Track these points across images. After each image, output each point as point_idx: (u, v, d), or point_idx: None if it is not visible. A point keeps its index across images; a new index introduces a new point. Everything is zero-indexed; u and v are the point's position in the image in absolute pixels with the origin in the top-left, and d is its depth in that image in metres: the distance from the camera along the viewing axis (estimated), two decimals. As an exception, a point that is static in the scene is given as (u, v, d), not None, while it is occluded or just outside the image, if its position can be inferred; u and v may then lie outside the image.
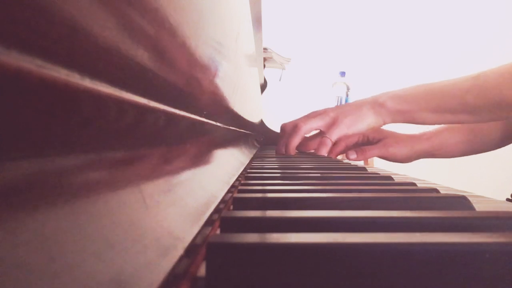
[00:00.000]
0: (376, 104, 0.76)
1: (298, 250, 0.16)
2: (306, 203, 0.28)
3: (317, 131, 0.85)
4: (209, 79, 0.31)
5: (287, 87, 2.34)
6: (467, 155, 0.87)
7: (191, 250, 0.17)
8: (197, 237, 0.19)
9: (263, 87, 1.48)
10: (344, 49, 2.46)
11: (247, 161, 0.62)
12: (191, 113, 0.28)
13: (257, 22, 0.78)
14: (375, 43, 2.46)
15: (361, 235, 0.17)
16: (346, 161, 0.83)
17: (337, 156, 0.87)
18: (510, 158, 2.29)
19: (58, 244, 0.10)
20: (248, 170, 0.52)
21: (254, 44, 0.81)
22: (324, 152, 0.79)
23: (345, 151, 0.87)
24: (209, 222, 0.22)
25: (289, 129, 0.82)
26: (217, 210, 0.25)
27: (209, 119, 0.35)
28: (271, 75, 1.77)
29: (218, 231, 0.23)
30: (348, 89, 2.00)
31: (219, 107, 0.41)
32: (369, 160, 1.97)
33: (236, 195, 0.30)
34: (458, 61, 2.38)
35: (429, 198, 0.29)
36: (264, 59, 1.53)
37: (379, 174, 0.48)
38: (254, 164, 0.63)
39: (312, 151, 0.88)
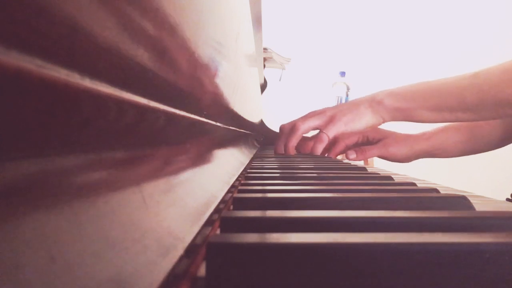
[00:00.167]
0: (374, 102, 0.76)
1: (298, 250, 0.16)
2: (306, 203, 0.28)
3: (317, 131, 0.85)
4: (209, 79, 0.31)
5: (287, 87, 2.34)
6: (466, 155, 0.87)
7: (191, 250, 0.17)
8: (197, 237, 0.19)
9: (263, 87, 1.48)
10: (344, 49, 2.46)
11: (247, 161, 0.62)
12: (191, 113, 0.28)
13: (257, 22, 0.78)
14: (375, 43, 2.46)
15: (361, 235, 0.17)
16: (346, 161, 0.83)
17: (337, 156, 0.87)
18: (510, 158, 2.29)
19: (58, 244, 0.10)
20: (248, 170, 0.52)
21: (254, 44, 0.81)
22: (320, 148, 0.79)
23: (344, 151, 0.87)
24: (209, 222, 0.22)
25: (287, 129, 0.82)
26: (217, 210, 0.25)
27: (209, 119, 0.35)
28: (271, 75, 1.77)
29: (218, 231, 0.23)
30: (348, 89, 2.00)
31: (219, 107, 0.41)
32: (369, 160, 1.97)
33: (236, 195, 0.30)
34: (458, 61, 2.38)
35: (429, 198, 0.29)
36: (264, 59, 1.53)
37: (379, 174, 0.48)
38: (254, 164, 0.63)
39: (309, 150, 0.88)
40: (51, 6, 0.09)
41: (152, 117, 0.19)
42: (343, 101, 1.99)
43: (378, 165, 2.03)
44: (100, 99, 0.13)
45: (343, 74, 2.03)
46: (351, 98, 1.98)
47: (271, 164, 0.62)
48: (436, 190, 0.33)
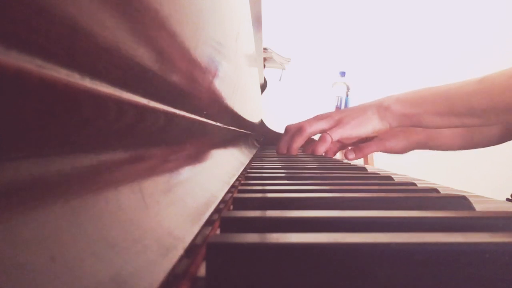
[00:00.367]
0: (381, 108, 0.76)
1: (298, 250, 0.16)
2: (306, 203, 0.28)
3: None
4: (209, 79, 0.31)
5: (287, 87, 2.34)
6: (465, 149, 0.87)
7: (191, 250, 0.17)
8: (197, 237, 0.19)
9: (263, 87, 1.48)
10: (344, 49, 2.46)
11: (247, 161, 0.63)
12: (191, 113, 0.28)
13: (257, 22, 0.78)
14: (375, 43, 2.46)
15: (361, 235, 0.17)
16: (346, 161, 0.83)
17: (334, 154, 0.87)
18: (510, 158, 2.30)
19: (58, 244, 0.10)
20: (248, 170, 0.52)
21: (254, 44, 0.81)
22: (322, 148, 0.79)
23: (341, 149, 0.88)
24: (209, 222, 0.22)
25: (293, 130, 0.82)
26: (217, 210, 0.25)
27: (209, 119, 0.35)
28: (271, 75, 1.77)
29: (218, 231, 0.23)
30: (348, 89, 2.00)
31: (219, 107, 0.41)
32: (369, 160, 1.97)
33: (236, 195, 0.30)
34: (458, 61, 2.38)
35: (429, 198, 0.29)
36: (264, 59, 1.53)
37: (379, 174, 0.48)
38: (254, 164, 0.63)
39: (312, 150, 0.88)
40: (51, 6, 0.09)
41: (152, 117, 0.19)
42: (343, 101, 1.99)
43: (378, 165, 2.03)
44: (100, 99, 0.13)
45: (343, 74, 2.03)
46: (351, 98, 1.98)
47: (271, 164, 0.62)
48: (436, 190, 0.33)
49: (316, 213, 0.22)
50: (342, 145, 0.87)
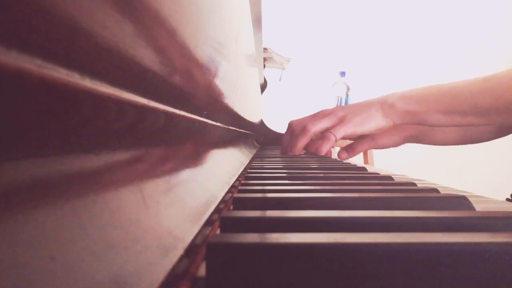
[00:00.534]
0: (385, 105, 0.76)
1: (298, 250, 0.16)
2: (306, 203, 0.28)
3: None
4: (209, 79, 0.31)
5: (287, 87, 2.34)
6: (458, 144, 0.86)
7: (191, 250, 0.17)
8: (197, 237, 0.19)
9: (263, 87, 1.48)
10: (344, 49, 2.46)
11: (247, 161, 0.62)
12: (191, 113, 0.28)
13: (257, 22, 0.78)
14: (375, 43, 2.46)
15: (361, 235, 0.17)
16: (345, 161, 0.83)
17: (325, 152, 0.87)
18: (510, 158, 2.30)
19: (58, 244, 0.10)
20: (248, 170, 0.52)
21: (254, 44, 0.81)
22: (327, 147, 0.79)
23: (332, 146, 0.87)
24: (209, 222, 0.22)
25: (297, 130, 0.82)
26: (217, 210, 0.25)
27: (209, 119, 0.35)
28: (271, 75, 1.77)
29: (218, 231, 0.23)
30: (348, 89, 2.00)
31: (219, 107, 0.41)
32: (369, 160, 1.97)
33: (236, 195, 0.30)
34: (458, 61, 2.38)
35: (429, 198, 0.29)
36: (264, 59, 1.53)
37: (379, 174, 0.48)
38: (254, 164, 0.63)
39: (315, 148, 0.88)
40: (51, 6, 0.09)
41: (152, 117, 0.19)
42: (343, 101, 1.99)
43: (378, 165, 2.03)
44: (100, 99, 0.13)
45: (343, 74, 2.03)
46: (351, 98, 1.98)
47: (271, 164, 0.62)
48: (436, 190, 0.33)
49: (316, 213, 0.22)
50: (346, 147, 0.86)
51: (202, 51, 0.26)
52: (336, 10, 2.44)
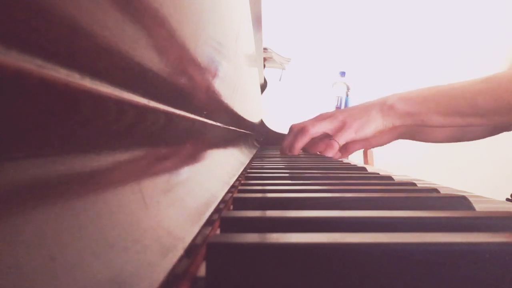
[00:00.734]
0: (385, 107, 0.76)
1: (298, 250, 0.16)
2: (306, 203, 0.28)
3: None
4: (209, 79, 0.31)
5: (287, 87, 2.34)
6: (452, 142, 0.86)
7: (191, 250, 0.17)
8: (197, 237, 0.19)
9: (263, 87, 1.48)
10: (344, 49, 2.46)
11: (247, 161, 0.63)
12: (191, 113, 0.28)
13: (257, 22, 0.78)
14: (375, 43, 2.46)
15: (361, 235, 0.17)
16: (346, 161, 0.83)
17: (318, 151, 0.87)
18: (510, 158, 2.30)
19: (58, 244, 0.10)
20: (248, 170, 0.52)
21: (254, 44, 0.81)
22: (330, 154, 0.80)
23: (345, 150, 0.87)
24: (209, 222, 0.22)
25: (296, 131, 0.82)
26: (217, 210, 0.25)
27: (209, 119, 0.35)
28: (271, 75, 1.77)
29: (218, 231, 0.23)
30: (348, 89, 2.00)
31: (219, 107, 0.41)
32: (369, 160, 1.97)
33: (236, 195, 0.30)
34: (458, 61, 2.38)
35: (429, 198, 0.29)
36: (264, 59, 1.53)
37: (379, 174, 0.48)
38: (254, 164, 0.63)
39: (317, 152, 0.88)
40: (51, 6, 0.09)
41: (152, 117, 0.19)
42: (343, 101, 1.99)
43: (378, 165, 2.03)
44: (100, 99, 0.13)
45: (343, 74, 2.03)
46: (351, 98, 1.98)
47: (271, 164, 0.62)
48: (436, 190, 0.33)
49: (316, 213, 0.22)
50: (340, 148, 0.87)
51: (202, 51, 0.26)
52: (336, 10, 2.44)
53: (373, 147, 0.86)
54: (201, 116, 0.31)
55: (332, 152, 0.79)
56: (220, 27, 0.33)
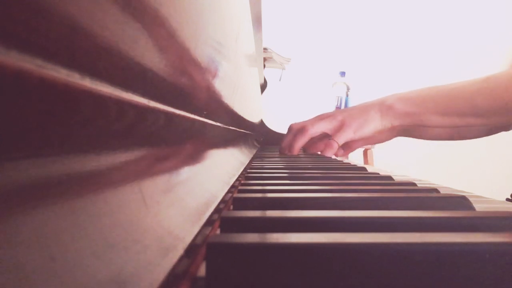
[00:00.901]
0: (383, 107, 0.76)
1: (298, 250, 0.16)
2: (306, 203, 0.28)
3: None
4: (209, 79, 0.31)
5: (287, 87, 2.34)
6: (449, 140, 0.86)
7: (191, 250, 0.17)
8: (197, 237, 0.19)
9: (263, 87, 1.48)
10: (344, 49, 2.46)
11: (247, 161, 0.63)
12: (191, 113, 0.28)
13: (257, 22, 0.78)
14: (375, 43, 2.46)
15: (361, 235, 0.17)
16: (346, 161, 0.83)
17: (318, 151, 0.87)
18: (510, 158, 2.30)
19: (58, 244, 0.10)
20: (248, 170, 0.52)
21: (254, 44, 0.82)
22: (330, 154, 0.80)
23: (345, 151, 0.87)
24: (209, 222, 0.22)
25: (296, 131, 0.82)
26: (217, 210, 0.25)
27: (209, 119, 0.35)
28: (271, 75, 1.77)
29: (218, 231, 0.23)
30: (348, 89, 2.00)
31: (219, 107, 0.41)
32: (369, 160, 1.97)
33: (236, 195, 0.30)
34: (458, 61, 2.38)
35: (429, 198, 0.29)
36: (264, 59, 1.53)
37: (379, 174, 0.48)
38: (254, 164, 0.63)
39: (318, 152, 0.88)
40: (51, 6, 0.09)
41: (152, 117, 0.19)
42: (343, 101, 1.99)
43: (378, 165, 2.03)
44: (100, 99, 0.13)
45: (343, 74, 2.03)
46: (351, 98, 1.98)
47: (271, 164, 0.62)
48: (436, 190, 0.33)
49: (316, 213, 0.22)
50: (345, 145, 0.87)
51: (202, 51, 0.26)
52: (336, 10, 2.45)
53: (374, 144, 0.87)
54: (201, 116, 0.31)
55: (331, 152, 0.79)
56: (220, 27, 0.33)
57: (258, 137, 1.32)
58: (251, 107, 0.84)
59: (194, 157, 0.29)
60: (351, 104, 1.92)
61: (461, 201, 0.28)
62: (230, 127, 0.55)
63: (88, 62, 0.12)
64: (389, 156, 2.13)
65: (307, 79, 2.47)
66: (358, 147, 0.85)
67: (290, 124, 0.86)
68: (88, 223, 0.11)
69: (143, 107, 0.17)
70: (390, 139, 0.85)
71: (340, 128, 0.78)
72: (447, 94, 0.70)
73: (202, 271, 0.17)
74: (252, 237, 0.17)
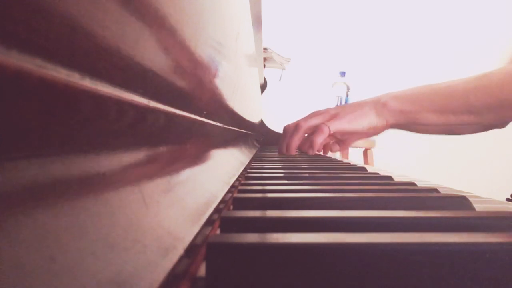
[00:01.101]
0: (378, 104, 0.76)
1: (298, 250, 0.16)
2: (306, 203, 0.28)
3: None
4: (209, 79, 0.31)
5: (287, 87, 2.35)
6: (444, 134, 0.86)
7: (191, 250, 0.17)
8: (197, 237, 0.19)
9: (263, 87, 1.48)
10: (344, 49, 2.46)
11: (247, 161, 0.63)
12: (191, 113, 0.28)
13: (257, 22, 0.78)
14: (375, 43, 2.46)
15: (361, 235, 0.17)
16: (346, 161, 0.83)
17: (319, 143, 0.86)
18: (510, 158, 2.30)
19: (58, 244, 0.10)
20: (248, 170, 0.52)
21: (254, 44, 0.82)
22: (320, 138, 0.77)
23: (338, 146, 0.87)
24: (209, 222, 0.22)
25: (290, 129, 0.82)
26: (217, 210, 0.25)
27: (209, 119, 0.35)
28: (271, 75, 1.77)
29: (218, 231, 0.23)
30: (348, 89, 2.00)
31: (219, 107, 0.41)
32: (369, 160, 1.97)
33: (236, 195, 0.30)
34: (457, 60, 2.38)
35: (429, 198, 0.29)
36: (264, 59, 1.53)
37: (379, 174, 0.48)
38: (254, 164, 0.63)
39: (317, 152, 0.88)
40: (51, 6, 0.09)
41: (152, 117, 0.19)
42: (343, 101, 1.99)
43: (378, 165, 2.03)
44: (100, 99, 0.13)
45: (343, 74, 2.03)
46: (351, 98, 1.98)
47: (271, 164, 0.62)
48: (436, 190, 0.33)
49: (316, 213, 0.22)
50: (337, 140, 0.86)
51: (202, 51, 0.26)
52: (336, 10, 2.45)
53: (369, 137, 0.86)
54: (201, 116, 0.31)
55: (322, 137, 0.77)
56: (220, 27, 0.33)
57: (258, 137, 1.32)
58: (251, 107, 0.84)
59: (194, 157, 0.29)
60: (351, 104, 1.92)
61: (461, 201, 0.28)
62: (230, 127, 0.55)
63: (88, 62, 0.12)
64: (389, 156, 2.13)
65: (307, 79, 2.47)
66: (353, 142, 0.84)
67: (284, 126, 0.85)
68: (88, 223, 0.11)
69: (143, 107, 0.17)
70: (385, 130, 0.85)
71: (333, 118, 0.78)
72: (442, 92, 0.70)
73: (202, 271, 0.17)
74: (252, 237, 0.17)
